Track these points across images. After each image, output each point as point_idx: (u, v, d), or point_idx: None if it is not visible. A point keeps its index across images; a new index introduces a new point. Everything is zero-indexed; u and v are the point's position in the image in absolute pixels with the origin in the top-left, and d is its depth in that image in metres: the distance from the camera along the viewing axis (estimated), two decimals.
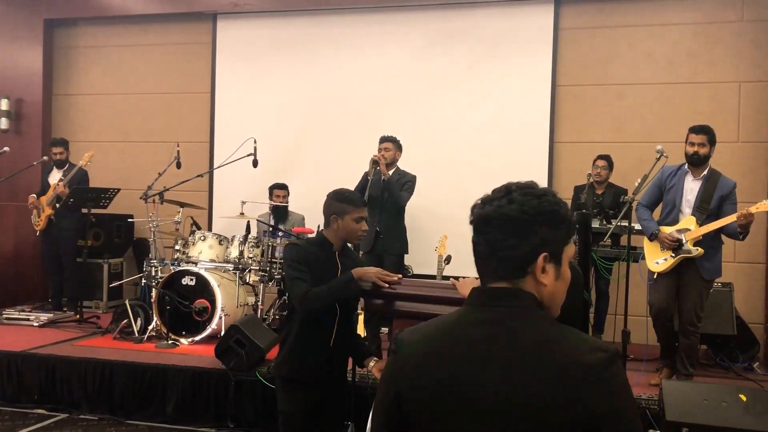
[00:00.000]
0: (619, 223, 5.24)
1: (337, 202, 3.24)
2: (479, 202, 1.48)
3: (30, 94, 8.50)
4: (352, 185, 6.62)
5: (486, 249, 1.42)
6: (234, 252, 6.47)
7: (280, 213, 7.01)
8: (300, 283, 3.12)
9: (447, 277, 6.35)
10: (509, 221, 1.40)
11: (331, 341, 3.20)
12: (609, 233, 5.25)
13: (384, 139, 5.92)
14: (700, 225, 4.96)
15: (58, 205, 7.17)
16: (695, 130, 5.09)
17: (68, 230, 7.33)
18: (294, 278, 3.15)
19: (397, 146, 5.94)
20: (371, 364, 3.34)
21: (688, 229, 4.98)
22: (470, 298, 1.47)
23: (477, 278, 2.02)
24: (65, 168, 7.43)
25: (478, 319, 1.40)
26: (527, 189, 1.46)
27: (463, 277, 2.97)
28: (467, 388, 1.32)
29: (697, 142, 5.05)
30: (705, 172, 5.08)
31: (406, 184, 5.94)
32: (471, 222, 1.48)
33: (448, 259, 5.76)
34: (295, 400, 3.20)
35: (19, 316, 7.03)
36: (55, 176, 7.43)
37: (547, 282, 1.40)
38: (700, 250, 4.91)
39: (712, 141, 5.08)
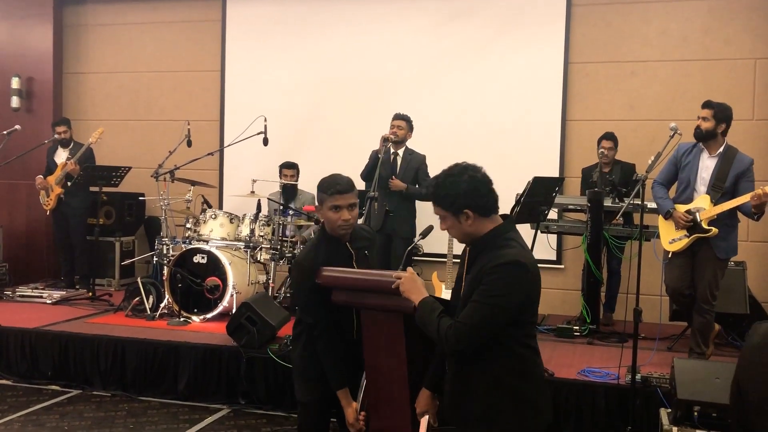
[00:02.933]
0: (631, 202, 5.19)
1: (317, 190, 3.05)
2: None
3: (40, 73, 8.50)
4: (361, 163, 6.63)
5: None
6: (245, 230, 6.48)
7: (289, 192, 7.00)
8: (308, 317, 3.01)
9: (458, 257, 6.35)
10: None
11: (354, 333, 3.04)
12: (621, 212, 5.19)
13: (398, 117, 5.89)
14: (715, 204, 4.89)
15: (69, 184, 7.19)
16: (703, 104, 5.03)
17: (78, 209, 7.35)
18: (304, 309, 3.05)
19: (410, 126, 5.92)
20: None
21: (703, 208, 4.92)
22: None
23: (416, 273, 2.60)
24: (70, 147, 7.43)
25: None
26: None
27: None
28: None
29: (701, 116, 4.98)
30: (721, 149, 4.99)
31: (423, 173, 5.89)
32: None
33: None
34: (313, 391, 3.11)
35: (32, 294, 7.08)
36: (60, 155, 7.44)
37: None
38: (715, 230, 4.85)
39: (717, 116, 4.93)
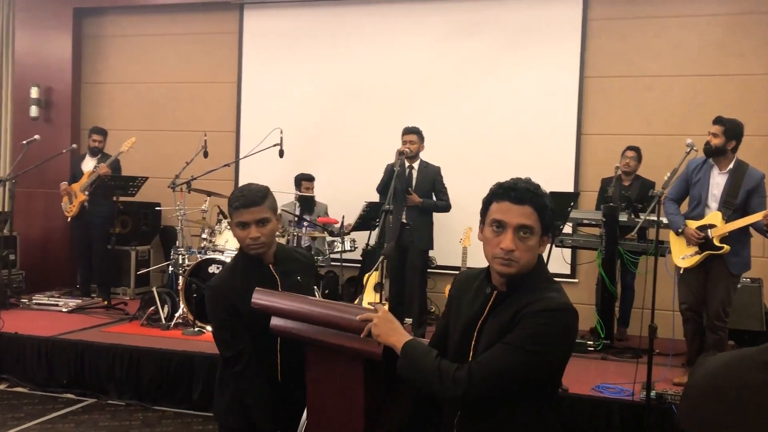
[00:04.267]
0: (647, 217, 5.19)
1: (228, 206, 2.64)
2: None
3: (59, 83, 8.60)
4: (375, 174, 6.67)
5: None
6: None
7: (307, 203, 7.04)
8: (226, 349, 2.59)
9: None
10: None
11: (279, 375, 2.64)
12: (637, 227, 5.19)
13: (408, 131, 5.91)
14: (726, 221, 4.88)
15: (92, 186, 7.20)
16: (714, 120, 5.04)
17: (101, 217, 7.33)
18: (221, 340, 2.62)
19: (421, 137, 5.94)
20: None
21: (714, 225, 4.92)
22: None
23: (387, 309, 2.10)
24: (99, 157, 7.48)
25: None
26: None
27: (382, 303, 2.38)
28: None
29: (711, 132, 4.99)
30: (731, 165, 4.99)
31: (439, 185, 5.90)
32: None
33: None
34: None
35: (49, 302, 7.14)
36: (88, 164, 7.48)
37: None
38: (727, 248, 4.84)
39: (727, 133, 4.93)
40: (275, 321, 2.30)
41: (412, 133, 5.90)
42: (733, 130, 4.95)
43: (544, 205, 1.93)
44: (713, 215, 4.95)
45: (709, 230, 4.91)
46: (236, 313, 2.54)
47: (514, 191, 1.92)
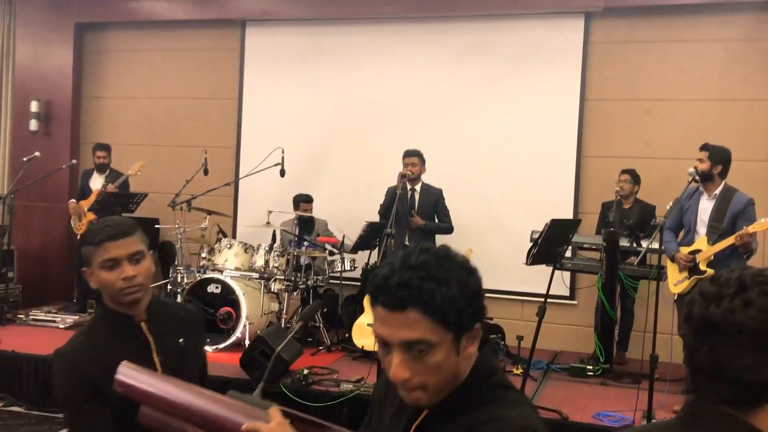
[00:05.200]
0: (650, 246, 5.23)
1: (84, 246, 2.10)
2: (699, 296, 1.20)
3: (59, 97, 8.59)
4: (375, 193, 6.68)
5: (710, 361, 1.12)
6: (260, 261, 6.50)
7: (305, 224, 7.03)
8: None
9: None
10: (746, 333, 1.09)
11: None
12: (640, 257, 5.23)
13: (409, 153, 5.92)
14: (711, 245, 4.95)
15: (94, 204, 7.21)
16: (700, 146, 5.13)
17: None
18: (71, 423, 2.05)
19: (422, 160, 5.95)
20: None
21: (701, 250, 4.98)
22: (681, 414, 1.21)
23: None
24: (107, 173, 7.48)
25: None
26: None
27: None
28: None
29: (698, 158, 5.07)
30: (718, 191, 5.05)
31: (441, 207, 5.90)
32: (688, 320, 1.19)
33: None
34: None
35: (46, 318, 7.11)
36: (96, 180, 7.48)
37: None
38: (710, 271, 4.88)
39: (712, 158, 5.02)
40: (145, 411, 1.65)
41: (414, 155, 5.90)
42: (718, 155, 5.04)
43: (446, 298, 1.26)
44: (700, 240, 5.05)
45: (695, 255, 4.98)
46: (96, 393, 1.95)
47: (385, 292, 1.28)
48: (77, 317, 7.15)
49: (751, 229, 4.72)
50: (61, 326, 6.89)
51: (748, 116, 6.76)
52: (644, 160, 6.90)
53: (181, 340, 2.20)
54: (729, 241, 4.84)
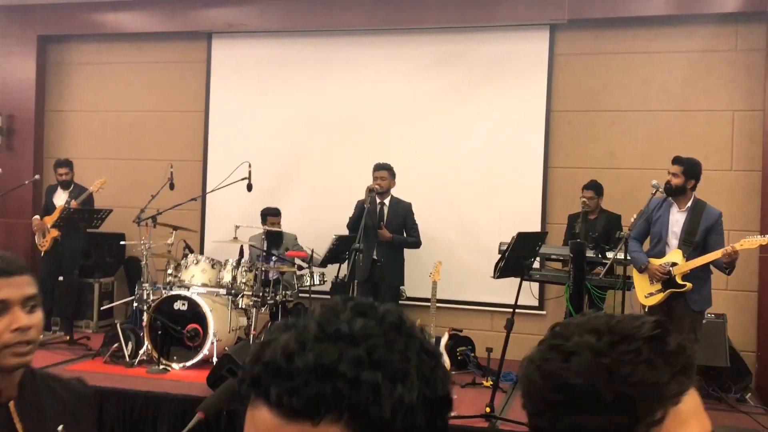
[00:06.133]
0: (615, 257, 5.26)
1: None
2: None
3: (22, 110, 8.44)
4: (345, 207, 6.64)
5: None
6: (227, 276, 6.44)
7: (274, 238, 6.98)
8: None
9: (447, 302, 6.32)
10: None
11: None
12: (606, 268, 5.27)
13: (379, 167, 5.91)
14: (687, 258, 4.99)
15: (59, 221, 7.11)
16: (673, 160, 5.18)
17: (75, 250, 7.24)
18: None
19: (392, 174, 5.94)
20: None
21: (676, 263, 5.01)
22: None
23: None
24: (71, 189, 7.36)
25: None
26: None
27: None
28: None
29: (671, 172, 5.11)
30: (689, 203, 5.11)
31: (410, 221, 5.89)
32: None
33: None
34: None
35: None
36: (60, 197, 7.36)
37: None
38: (689, 285, 4.94)
39: (687, 173, 5.07)
40: None
41: (383, 169, 5.90)
42: (692, 169, 5.09)
43: (399, 407, 0.74)
44: (674, 253, 5.05)
45: (671, 268, 5.00)
46: None
47: (282, 382, 0.75)
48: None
49: (738, 246, 4.77)
50: None
51: (710, 126, 6.86)
52: (609, 171, 6.96)
53: (60, 428, 1.65)
54: (713, 256, 4.87)
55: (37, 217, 7.36)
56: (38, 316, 1.60)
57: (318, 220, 7.43)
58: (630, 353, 0.86)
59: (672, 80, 6.98)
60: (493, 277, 5.14)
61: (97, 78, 8.56)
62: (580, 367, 0.87)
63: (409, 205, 5.93)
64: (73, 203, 7.08)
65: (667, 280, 5.02)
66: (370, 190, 5.67)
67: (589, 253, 5.99)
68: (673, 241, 5.12)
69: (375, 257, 5.71)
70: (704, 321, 5.36)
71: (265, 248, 6.74)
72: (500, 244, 6.17)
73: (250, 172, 6.66)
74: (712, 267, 5.10)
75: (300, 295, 6.99)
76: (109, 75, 8.51)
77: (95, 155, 8.44)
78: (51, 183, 7.64)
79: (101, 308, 7.70)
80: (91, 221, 7.16)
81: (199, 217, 8.07)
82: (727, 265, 4.86)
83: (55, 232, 7.16)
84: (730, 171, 6.80)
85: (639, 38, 7.05)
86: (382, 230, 5.69)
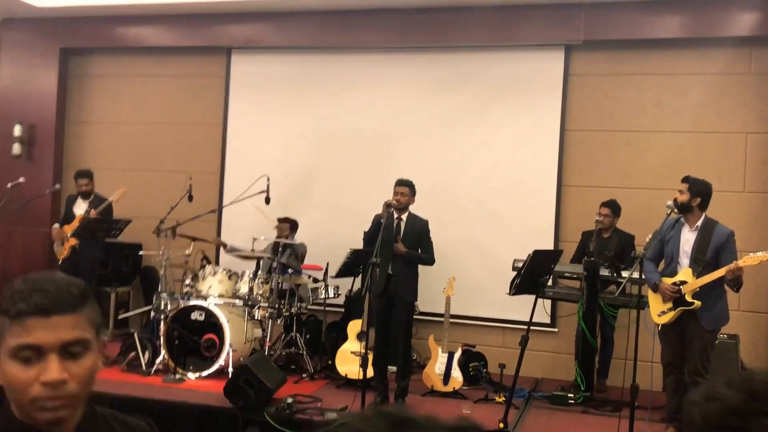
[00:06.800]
0: (631, 277, 5.31)
1: None
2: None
3: (43, 121, 8.58)
4: (358, 221, 6.71)
5: None
6: (243, 288, 6.52)
7: (284, 248, 7.01)
8: None
9: (459, 317, 6.38)
10: None
11: None
12: (620, 289, 5.32)
13: (401, 183, 5.97)
14: (697, 277, 5.03)
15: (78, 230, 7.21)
16: (682, 179, 5.24)
17: (93, 259, 7.33)
18: None
19: (413, 191, 5.99)
20: None
21: (685, 281, 5.06)
22: None
23: None
24: (91, 199, 7.47)
25: None
26: None
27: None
28: None
29: (678, 189, 5.18)
30: (699, 222, 5.16)
31: (425, 239, 5.95)
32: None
33: None
34: None
35: None
36: (80, 206, 7.46)
37: None
38: (698, 303, 4.97)
39: (692, 190, 5.12)
40: None
41: (405, 185, 5.95)
42: (698, 188, 5.14)
43: None
44: (684, 272, 5.10)
45: (681, 287, 5.05)
46: None
47: None
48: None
49: (741, 263, 4.81)
50: None
51: (723, 148, 6.92)
52: (623, 190, 7.02)
53: None
54: (719, 273, 4.92)
55: (56, 225, 7.47)
56: (85, 363, 1.31)
57: (331, 235, 7.51)
58: None
59: (686, 102, 7.05)
60: (509, 293, 5.21)
61: (117, 90, 8.69)
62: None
63: (425, 223, 5.99)
64: (93, 213, 7.18)
65: (677, 299, 5.06)
66: (387, 206, 5.73)
67: (605, 272, 6.05)
68: (685, 260, 5.16)
69: (390, 272, 5.76)
70: (716, 341, 5.39)
71: (280, 259, 6.79)
72: (514, 261, 6.23)
73: (268, 186, 6.75)
74: (726, 286, 5.14)
75: (314, 307, 7.07)
76: (129, 87, 8.65)
77: (114, 166, 8.56)
78: (72, 193, 7.75)
79: (118, 317, 7.78)
80: (110, 231, 7.26)
81: (215, 229, 8.16)
82: (733, 282, 4.91)
83: (73, 241, 7.26)
84: (743, 192, 6.86)
85: (653, 60, 7.14)
86: (398, 244, 5.76)
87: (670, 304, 5.12)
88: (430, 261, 5.99)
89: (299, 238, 7.31)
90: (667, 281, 5.14)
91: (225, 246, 7.30)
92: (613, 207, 6.57)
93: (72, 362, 1.29)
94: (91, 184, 7.52)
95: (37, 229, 8.33)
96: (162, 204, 7.12)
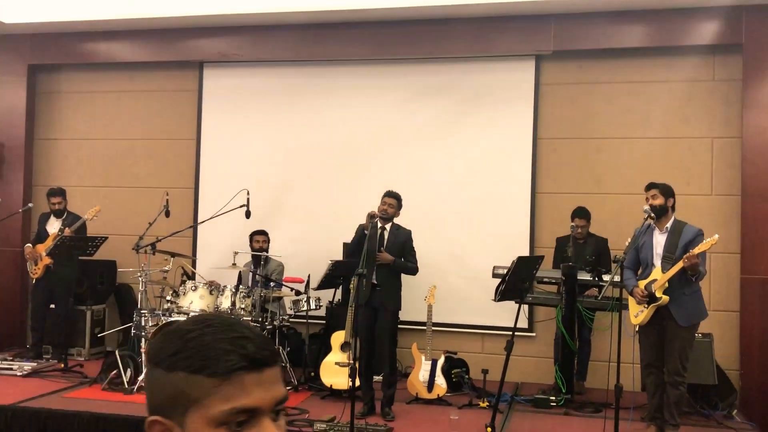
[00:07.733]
0: (612, 280, 5.45)
1: (157, 361, 1.11)
2: None
3: (12, 139, 8.45)
4: (337, 234, 6.75)
5: None
6: (225, 302, 6.50)
7: (259, 260, 7.02)
8: None
9: (441, 325, 6.45)
10: None
11: None
12: (603, 291, 5.45)
13: (389, 194, 6.02)
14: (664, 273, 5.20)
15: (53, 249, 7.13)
16: (646, 187, 5.44)
17: (67, 278, 7.26)
18: None
19: (399, 204, 6.05)
20: None
21: (656, 279, 5.23)
22: None
23: None
24: (64, 217, 7.39)
25: None
26: None
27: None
28: None
29: (649, 196, 5.36)
30: (669, 224, 5.34)
31: (408, 248, 6.03)
32: None
33: None
34: None
35: (2, 365, 6.92)
36: (53, 224, 7.38)
37: None
38: (665, 298, 5.13)
39: (664, 192, 5.33)
40: None
41: (393, 197, 6.01)
42: (666, 189, 5.38)
43: None
44: (656, 271, 5.28)
45: (651, 285, 5.22)
46: None
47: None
48: (35, 364, 7.01)
49: (696, 250, 5.00)
50: (19, 374, 6.73)
51: (691, 153, 7.14)
52: (595, 196, 7.19)
53: None
54: (678, 266, 5.09)
55: (29, 245, 7.37)
56: (283, 423, 1.10)
57: (310, 247, 7.54)
58: None
59: (653, 109, 7.25)
60: (494, 300, 5.30)
61: (87, 106, 8.61)
62: None
63: (409, 233, 6.06)
64: (67, 231, 7.11)
65: (649, 300, 5.22)
66: (371, 216, 5.78)
67: (586, 276, 6.19)
68: (658, 262, 5.33)
69: (374, 281, 5.82)
70: (693, 337, 5.53)
71: (257, 270, 6.78)
72: (494, 268, 6.34)
73: (248, 199, 6.76)
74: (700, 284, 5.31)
75: (296, 319, 7.08)
76: (100, 103, 8.57)
77: (85, 183, 8.47)
78: (44, 212, 7.65)
79: (98, 335, 7.69)
80: (85, 249, 7.18)
81: (191, 244, 8.12)
82: (691, 272, 5.08)
83: (47, 260, 7.18)
84: (710, 196, 7.07)
85: (622, 69, 7.33)
86: (383, 253, 5.82)
87: (644, 304, 5.28)
88: (414, 270, 6.06)
89: (274, 250, 7.29)
90: (641, 284, 5.30)
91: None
92: (587, 216, 6.72)
93: (275, 425, 1.08)
94: (63, 202, 7.45)
95: (6, 248, 8.19)
96: (136, 220, 7.08)
